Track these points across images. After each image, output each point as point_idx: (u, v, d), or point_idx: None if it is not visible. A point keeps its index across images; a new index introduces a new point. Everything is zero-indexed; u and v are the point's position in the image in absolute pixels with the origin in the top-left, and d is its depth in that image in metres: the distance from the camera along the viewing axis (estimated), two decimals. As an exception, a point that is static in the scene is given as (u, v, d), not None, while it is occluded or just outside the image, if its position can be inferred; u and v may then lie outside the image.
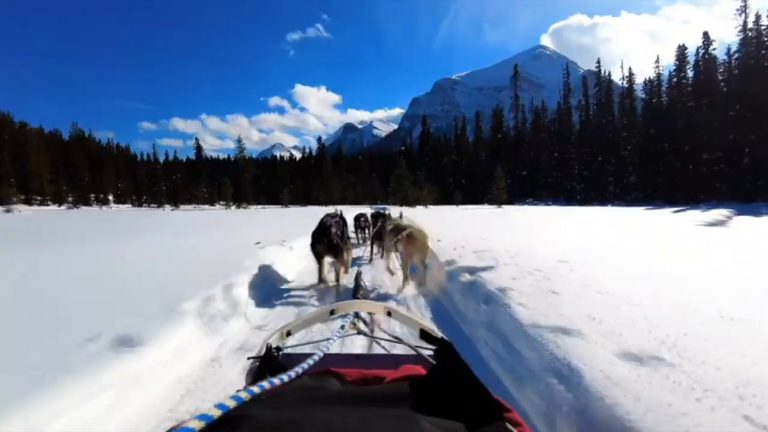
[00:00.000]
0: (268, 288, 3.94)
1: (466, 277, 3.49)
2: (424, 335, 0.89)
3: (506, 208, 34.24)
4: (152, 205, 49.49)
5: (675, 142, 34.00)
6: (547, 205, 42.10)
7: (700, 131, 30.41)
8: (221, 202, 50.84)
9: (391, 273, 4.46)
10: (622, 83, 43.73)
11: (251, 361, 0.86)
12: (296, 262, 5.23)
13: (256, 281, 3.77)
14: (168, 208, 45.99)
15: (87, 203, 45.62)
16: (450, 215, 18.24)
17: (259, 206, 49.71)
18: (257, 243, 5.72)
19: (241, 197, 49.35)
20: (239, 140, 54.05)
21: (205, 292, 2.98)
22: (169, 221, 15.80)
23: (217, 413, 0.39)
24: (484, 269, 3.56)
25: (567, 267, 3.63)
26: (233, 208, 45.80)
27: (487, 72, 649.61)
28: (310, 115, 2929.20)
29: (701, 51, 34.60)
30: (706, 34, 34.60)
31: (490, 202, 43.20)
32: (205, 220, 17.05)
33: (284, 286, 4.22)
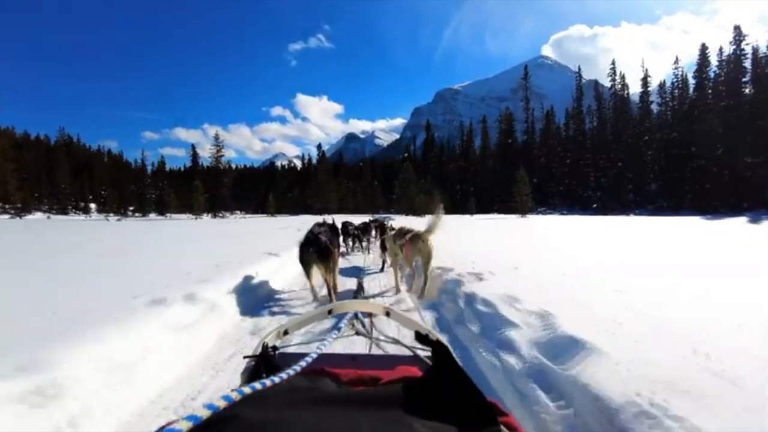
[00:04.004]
0: None
1: None
2: (420, 337, 0.87)
3: (532, 218, 30.56)
4: (136, 214, 46.11)
5: (705, 146, 30.73)
6: (563, 214, 38.72)
7: (740, 132, 27.08)
8: (221, 212, 43.95)
9: (398, 291, 4.32)
10: (642, 86, 40.91)
11: (247, 360, 0.84)
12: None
13: None
14: (113, 218, 38.40)
15: (64, 212, 42.48)
16: (501, 230, 13.33)
17: (239, 215, 45.74)
18: None
19: (217, 205, 43.45)
20: (216, 137, 45.36)
21: None
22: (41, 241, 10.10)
23: (206, 413, 0.39)
24: None
25: None
26: (206, 217, 39.67)
27: (489, 82, 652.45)
28: (312, 124, 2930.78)
29: (732, 47, 31.69)
30: (737, 29, 31.72)
31: (500, 211, 39.83)
32: (97, 238, 11.43)
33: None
